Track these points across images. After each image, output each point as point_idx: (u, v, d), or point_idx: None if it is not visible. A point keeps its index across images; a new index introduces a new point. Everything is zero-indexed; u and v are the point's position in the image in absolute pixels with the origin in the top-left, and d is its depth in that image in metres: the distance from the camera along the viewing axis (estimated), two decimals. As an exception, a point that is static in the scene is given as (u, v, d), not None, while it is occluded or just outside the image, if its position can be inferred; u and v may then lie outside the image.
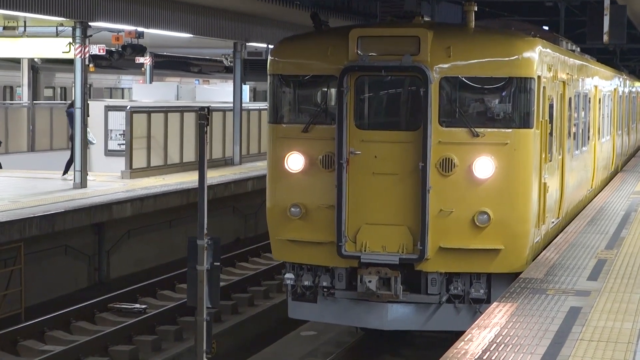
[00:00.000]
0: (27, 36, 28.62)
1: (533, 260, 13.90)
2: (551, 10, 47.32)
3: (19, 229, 18.94)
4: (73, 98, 25.95)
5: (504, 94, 13.59)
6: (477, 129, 13.15)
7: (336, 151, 13.30)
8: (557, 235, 16.37)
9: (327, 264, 13.71)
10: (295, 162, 13.82)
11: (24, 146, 34.48)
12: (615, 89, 27.68)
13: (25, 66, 34.05)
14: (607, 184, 25.44)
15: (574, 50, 20.65)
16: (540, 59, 13.85)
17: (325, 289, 13.80)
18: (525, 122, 13.44)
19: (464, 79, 13.41)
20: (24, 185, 25.29)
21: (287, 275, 14.11)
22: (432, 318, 13.45)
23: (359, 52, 13.26)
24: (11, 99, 39.21)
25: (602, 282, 13.02)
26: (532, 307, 11.45)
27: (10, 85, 40.14)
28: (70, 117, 26.36)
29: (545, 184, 14.56)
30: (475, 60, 13.46)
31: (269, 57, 14.37)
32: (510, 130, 13.37)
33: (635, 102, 37.31)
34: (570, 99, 17.79)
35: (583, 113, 20.34)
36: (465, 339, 10.04)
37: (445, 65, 13.22)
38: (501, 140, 13.24)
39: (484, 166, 13.08)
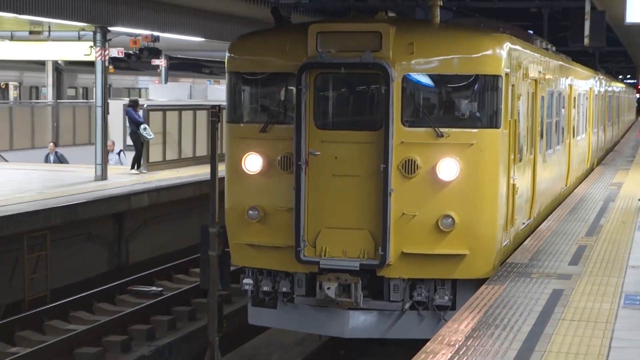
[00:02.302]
0: (52, 40, 28.63)
1: (501, 265, 12.50)
2: (535, 15, 47.30)
3: (44, 218, 18.98)
4: (132, 97, 25.98)
5: (469, 92, 12.02)
6: (441, 129, 11.56)
7: (294, 152, 11.79)
8: (529, 236, 15.24)
9: (286, 269, 12.19)
10: (253, 163, 12.28)
11: (49, 142, 34.48)
12: (591, 88, 26.57)
13: (49, 68, 34.07)
14: (582, 181, 24.50)
15: (547, 49, 19.18)
16: (508, 56, 12.32)
17: (284, 295, 12.29)
18: (492, 121, 11.86)
19: (427, 76, 11.96)
20: (49, 178, 25.32)
21: (246, 281, 12.57)
22: (395, 326, 11.89)
23: (318, 48, 11.66)
24: (37, 98, 39.20)
25: (582, 267, 13.05)
26: (518, 290, 11.48)
27: (36, 86, 40.19)
28: (129, 115, 26.59)
29: (514, 185, 13.00)
30: (440, 57, 11.83)
31: (227, 54, 12.76)
32: (476, 130, 11.83)
33: (611, 101, 36.89)
34: (542, 97, 16.34)
35: (556, 112, 18.88)
36: (456, 320, 10.06)
37: (408, 62, 11.67)
38: (466, 141, 11.65)
39: (449, 168, 11.52)
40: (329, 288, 11.37)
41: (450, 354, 8.75)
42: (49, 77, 34.41)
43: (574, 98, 21.98)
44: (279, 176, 12.06)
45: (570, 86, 21.22)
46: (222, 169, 12.93)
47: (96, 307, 18.62)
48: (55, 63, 33.86)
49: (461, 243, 11.57)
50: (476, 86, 11.86)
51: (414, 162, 11.47)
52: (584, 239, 15.34)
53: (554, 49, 21.39)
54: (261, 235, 12.22)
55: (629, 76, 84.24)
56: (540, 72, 15.77)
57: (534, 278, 12.19)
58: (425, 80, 11.97)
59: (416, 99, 11.95)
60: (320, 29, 11.79)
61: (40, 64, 35.33)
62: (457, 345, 9.02)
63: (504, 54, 12.08)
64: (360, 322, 11.89)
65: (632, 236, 15.71)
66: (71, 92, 42.31)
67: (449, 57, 11.83)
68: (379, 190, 11.48)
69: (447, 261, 11.64)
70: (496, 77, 11.83)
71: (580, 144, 24.41)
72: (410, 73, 11.68)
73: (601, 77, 31.39)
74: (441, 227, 11.46)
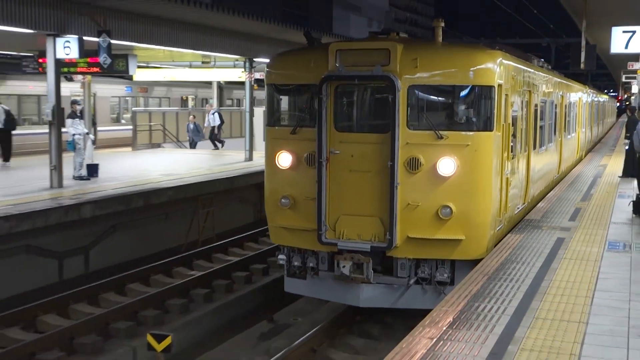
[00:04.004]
0: (216, 67, 29.11)
1: (495, 246, 10.88)
2: (546, 48, 46.56)
3: (211, 186, 19.34)
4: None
5: (466, 100, 10.44)
6: (441, 132, 10.10)
7: (317, 151, 10.51)
8: (525, 215, 13.45)
9: (312, 248, 10.90)
10: (284, 159, 10.99)
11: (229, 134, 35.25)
12: (580, 98, 24.70)
13: (215, 86, 34.58)
14: (573, 168, 22.82)
15: (542, 66, 16.97)
16: (501, 69, 10.64)
17: (312, 270, 11.07)
18: (485, 125, 10.28)
19: (429, 87, 10.42)
20: (213, 159, 25.74)
21: (280, 256, 11.47)
22: (402, 298, 10.62)
23: (337, 63, 10.37)
24: (204, 105, 39.97)
25: (578, 222, 12.85)
26: (533, 237, 11.38)
27: (206, 98, 40.89)
28: None
29: (507, 179, 11.33)
30: (440, 71, 10.33)
31: (266, 69, 11.58)
32: (471, 133, 10.25)
33: (597, 108, 35.88)
34: (536, 105, 14.24)
35: (549, 116, 16.57)
36: (488, 257, 10.03)
37: (413, 75, 10.19)
38: (463, 142, 10.14)
39: (447, 165, 10.08)
40: (344, 266, 10.30)
41: (485, 280, 8.73)
42: (214, 92, 34.92)
43: (565, 105, 20.04)
44: (305, 171, 10.75)
45: (562, 96, 19.31)
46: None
47: (214, 257, 17.16)
48: (218, 83, 34.35)
49: (458, 229, 10.12)
50: (472, 95, 10.34)
51: (418, 160, 10.11)
52: (579, 203, 15.11)
53: (549, 67, 19.92)
54: (292, 220, 10.99)
55: (611, 90, 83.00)
56: (533, 84, 13.82)
57: (544, 229, 12.07)
58: (428, 90, 10.45)
59: (419, 106, 10.40)
60: (339, 47, 10.49)
61: (208, 84, 35.89)
62: (490, 272, 9.02)
63: (496, 68, 10.46)
64: (371, 294, 10.62)
65: (613, 202, 15.40)
66: (229, 102, 42.96)
67: (448, 70, 10.30)
68: (388, 183, 10.18)
69: (446, 244, 10.23)
70: (490, 88, 10.27)
71: (570, 141, 22.46)
72: (414, 84, 10.21)
73: (589, 90, 30.17)
74: (441, 216, 10.06)
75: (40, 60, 20.34)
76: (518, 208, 12.72)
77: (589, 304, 7.81)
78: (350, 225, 10.47)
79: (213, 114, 29.88)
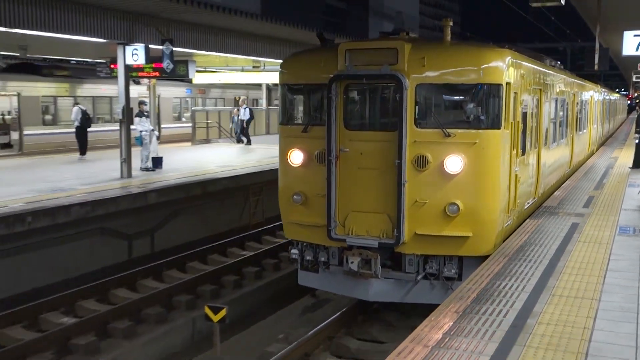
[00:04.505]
0: (265, 71, 29.16)
1: (504, 241, 9.84)
2: (562, 51, 45.75)
3: (260, 176, 19.37)
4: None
5: (473, 98, 9.22)
6: (448, 130, 9.05)
7: (326, 149, 9.54)
8: (535, 210, 12.28)
9: (323, 243, 9.91)
10: (296, 157, 10.02)
11: (263, 131, 35.16)
12: (591, 96, 23.23)
13: (264, 88, 34.68)
14: (584, 163, 21.49)
15: (554, 66, 15.47)
16: (509, 68, 9.51)
17: (323, 264, 10.10)
18: (493, 123, 9.15)
19: (436, 85, 9.25)
20: (265, 153, 25.81)
21: (293, 251, 10.45)
22: (410, 292, 9.64)
23: (346, 63, 9.40)
24: (256, 105, 40.05)
25: (591, 209, 12.61)
26: (550, 223, 11.21)
27: (256, 98, 41.04)
28: None
29: (516, 175, 10.19)
30: (447, 69, 9.20)
31: (279, 69, 10.65)
32: (479, 131, 9.11)
33: (609, 105, 34.89)
34: (547, 103, 13.00)
35: (561, 114, 15.26)
36: (509, 240, 9.89)
37: (421, 74, 9.13)
38: (470, 140, 9.05)
39: (454, 163, 9.04)
40: (352, 262, 9.36)
41: (506, 261, 8.63)
42: (263, 93, 35.02)
43: (577, 103, 18.53)
44: (316, 168, 9.75)
45: (574, 94, 17.60)
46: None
47: (247, 246, 16.49)
48: (267, 85, 34.43)
49: (465, 226, 9.10)
50: (479, 93, 9.16)
51: (425, 157, 9.07)
52: (593, 192, 14.83)
53: (561, 67, 18.17)
54: (304, 216, 10.01)
55: (623, 89, 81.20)
56: (544, 82, 12.51)
57: (560, 215, 11.86)
58: (435, 88, 9.28)
59: (427, 105, 9.31)
60: (348, 47, 9.46)
61: (258, 86, 36.00)
62: (510, 254, 8.91)
63: (504, 66, 9.30)
64: (380, 289, 9.66)
65: (624, 190, 15.07)
66: (276, 102, 43.15)
67: (456, 69, 9.17)
68: (396, 181, 9.19)
69: (453, 241, 9.21)
70: (498, 86, 9.13)
71: (582, 137, 20.87)
72: (422, 83, 9.14)
73: (600, 88, 28.93)
74: (448, 213, 9.05)
75: (112, 66, 20.61)
76: (528, 203, 11.60)
77: (601, 283, 7.68)
78: (360, 222, 9.54)
79: (245, 109, 29.71)
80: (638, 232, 10.59)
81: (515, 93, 9.89)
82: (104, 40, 16.63)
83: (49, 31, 14.81)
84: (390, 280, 9.58)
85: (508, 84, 9.38)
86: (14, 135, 24.72)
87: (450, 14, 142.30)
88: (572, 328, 6.21)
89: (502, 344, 5.81)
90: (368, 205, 9.48)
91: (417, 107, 9.19)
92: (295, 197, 9.99)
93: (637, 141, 20.26)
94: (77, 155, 23.24)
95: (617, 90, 66.40)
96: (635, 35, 14.66)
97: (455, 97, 9.44)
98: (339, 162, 9.54)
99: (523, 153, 10.74)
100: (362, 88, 9.75)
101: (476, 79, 9.08)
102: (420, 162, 9.11)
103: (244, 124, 29.65)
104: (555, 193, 14.54)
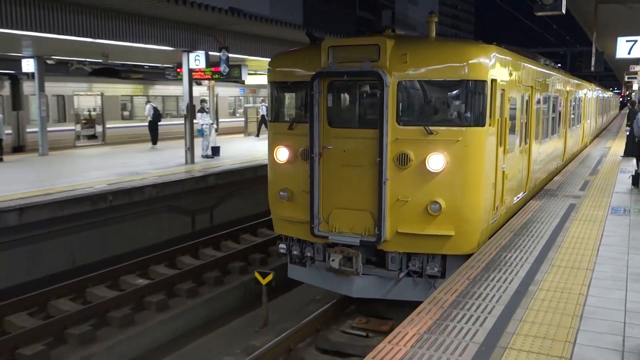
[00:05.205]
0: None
1: (490, 238, 8.44)
2: (563, 55, 44.76)
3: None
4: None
5: (456, 95, 7.74)
6: (430, 128, 7.59)
7: (309, 146, 8.19)
8: (526, 203, 10.90)
9: (308, 239, 8.59)
10: (282, 154, 8.64)
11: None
12: (585, 94, 21.60)
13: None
14: (577, 155, 20.07)
15: (548, 65, 13.69)
16: (495, 64, 7.96)
17: (310, 258, 8.75)
18: (477, 121, 7.65)
19: (418, 82, 7.76)
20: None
21: (281, 245, 9.07)
22: (394, 289, 8.25)
23: (329, 60, 8.01)
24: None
25: (587, 192, 12.34)
26: (550, 204, 11.00)
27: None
28: None
29: (504, 172, 8.64)
30: (430, 65, 7.68)
31: (268, 67, 9.17)
32: (462, 128, 7.60)
33: (602, 102, 33.66)
34: (539, 100, 11.35)
35: (553, 110, 13.39)
36: (514, 218, 9.75)
37: (403, 71, 7.70)
38: (453, 138, 7.59)
39: (437, 161, 7.61)
40: (333, 260, 8.07)
41: (511, 236, 8.51)
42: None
43: (570, 100, 16.54)
44: (301, 165, 8.40)
45: (567, 92, 15.87)
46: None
47: (260, 232, 15.33)
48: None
49: (447, 225, 7.70)
50: (463, 90, 7.63)
51: (407, 155, 7.68)
52: (588, 177, 14.52)
53: (556, 66, 16.37)
54: (290, 211, 8.66)
55: (616, 88, 79.23)
56: (536, 80, 10.93)
57: (559, 197, 11.64)
58: (417, 85, 7.79)
59: (409, 102, 7.88)
60: (331, 44, 8.06)
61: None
62: (516, 229, 8.79)
63: (489, 62, 7.77)
64: (364, 285, 8.31)
65: (616, 176, 14.71)
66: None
67: (439, 65, 7.64)
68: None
69: (436, 239, 7.80)
70: (482, 82, 7.64)
71: (576, 131, 18.71)
72: (404, 79, 7.72)
73: (594, 87, 26.98)
74: (430, 212, 7.66)
75: (178, 70, 20.82)
76: (518, 197, 10.13)
77: (595, 255, 7.53)
78: (343, 219, 8.17)
79: (265, 105, 29.44)
80: (627, 211, 10.36)
81: (503, 90, 8.41)
82: (172, 48, 16.79)
83: (127, 41, 15.01)
84: (374, 277, 8.27)
85: (494, 80, 7.91)
86: (98, 128, 25.22)
87: (467, 24, 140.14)
88: (569, 294, 6.11)
89: (507, 306, 5.76)
90: (351, 203, 8.13)
91: (399, 104, 7.83)
92: (281, 193, 8.67)
93: (627, 133, 19.75)
94: (149, 144, 23.58)
95: (611, 89, 64.80)
96: (627, 41, 14.26)
97: (438, 94, 7.93)
98: (322, 159, 8.22)
99: (512, 149, 9.19)
100: (346, 85, 8.30)
101: (460, 76, 7.58)
102: (402, 160, 7.76)
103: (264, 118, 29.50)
104: (555, 178, 14.25)
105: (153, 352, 9.58)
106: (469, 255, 7.71)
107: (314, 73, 8.10)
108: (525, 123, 10.34)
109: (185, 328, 10.38)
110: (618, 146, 22.44)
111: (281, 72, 8.85)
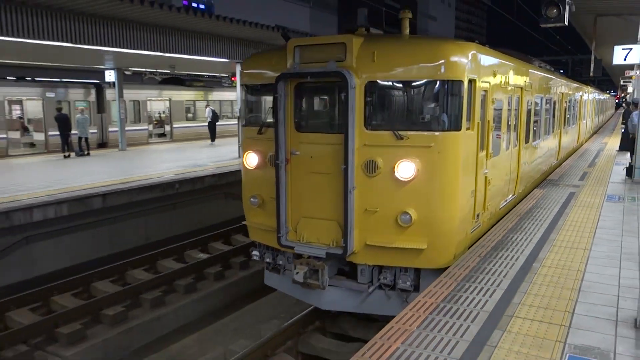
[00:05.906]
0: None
1: (470, 248, 6.79)
2: (564, 62, 43.47)
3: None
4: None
5: (429, 97, 6.06)
6: (400, 132, 6.00)
7: (275, 152, 6.64)
8: (515, 205, 9.24)
9: (277, 247, 6.90)
10: (252, 159, 7.12)
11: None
12: (581, 96, 19.78)
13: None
14: (573, 153, 18.05)
15: (542, 67, 11.82)
16: (474, 63, 6.27)
17: (282, 267, 7.22)
18: (451, 124, 6.01)
19: (387, 82, 6.10)
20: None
21: (254, 252, 7.38)
22: (365, 302, 6.62)
23: (295, 60, 6.43)
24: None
25: (585, 182, 11.96)
26: (553, 192, 10.72)
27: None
28: None
29: (486, 178, 7.00)
30: (401, 65, 6.00)
31: (239, 69, 6.85)
32: (435, 133, 5.96)
33: (598, 103, 32.26)
34: (529, 101, 9.44)
35: (547, 112, 11.55)
36: (521, 203, 9.52)
37: (371, 71, 6.09)
38: (425, 143, 5.96)
39: (407, 168, 6.00)
40: (297, 273, 6.59)
41: (518, 220, 8.32)
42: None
43: (565, 102, 14.58)
44: (270, 171, 6.86)
45: (562, 94, 13.89)
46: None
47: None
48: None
49: (419, 238, 6.09)
50: (436, 91, 5.99)
51: (375, 162, 6.10)
52: (586, 169, 14.08)
53: (551, 68, 14.25)
54: (261, 218, 7.11)
55: (612, 91, 76.65)
56: (526, 81, 9.06)
57: (560, 186, 11.32)
58: (387, 86, 6.13)
59: (378, 104, 6.23)
60: (297, 43, 6.44)
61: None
62: (522, 214, 8.59)
63: (467, 61, 6.09)
64: (334, 297, 6.74)
65: (612, 168, 14.23)
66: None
67: (410, 64, 5.98)
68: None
69: (407, 253, 6.20)
70: (458, 82, 5.99)
71: (571, 131, 16.45)
72: (372, 80, 6.09)
73: (590, 89, 24.91)
74: (400, 223, 6.07)
75: (232, 79, 20.99)
76: (506, 201, 8.44)
77: (592, 237, 7.32)
78: (311, 229, 6.62)
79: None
80: (622, 199, 10.02)
81: (485, 91, 6.80)
82: (227, 60, 16.95)
83: (192, 54, 15.25)
84: (344, 289, 6.73)
85: (472, 80, 6.27)
86: (167, 128, 25.73)
87: (480, 29, 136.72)
88: (569, 270, 5.96)
89: (513, 281, 5.66)
90: (319, 212, 6.56)
91: (367, 107, 6.20)
92: (252, 199, 7.16)
93: (622, 130, 19.08)
94: (208, 141, 23.89)
95: (608, 91, 62.71)
96: (623, 49, 13.74)
97: (408, 95, 6.20)
98: (290, 165, 6.68)
99: (497, 153, 7.58)
100: (315, 87, 6.67)
101: (432, 75, 5.95)
102: (370, 167, 6.17)
103: None
104: (557, 170, 13.85)
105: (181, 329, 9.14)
106: (445, 268, 6.19)
107: (278, 75, 6.54)
108: (514, 125, 8.65)
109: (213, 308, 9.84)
110: (614, 142, 21.70)
111: (251, 74, 7.19)
